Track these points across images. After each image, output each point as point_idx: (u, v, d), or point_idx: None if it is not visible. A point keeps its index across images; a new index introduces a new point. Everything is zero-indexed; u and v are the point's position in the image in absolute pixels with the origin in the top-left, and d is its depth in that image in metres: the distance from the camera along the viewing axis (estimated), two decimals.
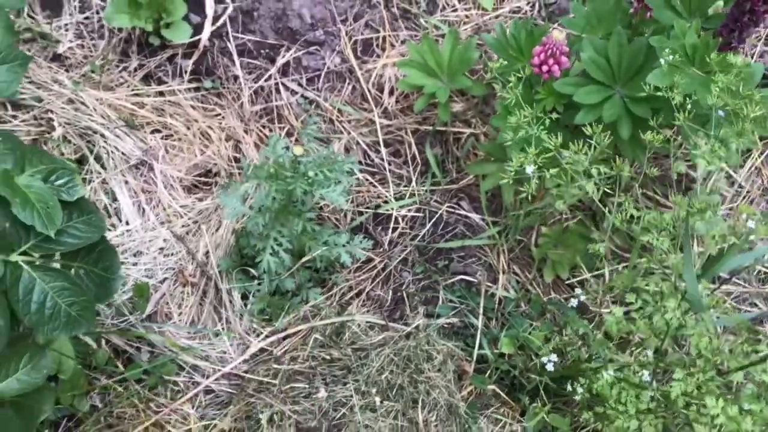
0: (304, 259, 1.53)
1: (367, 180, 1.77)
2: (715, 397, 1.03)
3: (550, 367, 1.31)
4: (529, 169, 1.16)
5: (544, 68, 1.36)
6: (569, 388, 1.26)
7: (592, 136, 1.16)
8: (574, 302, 1.35)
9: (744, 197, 1.69)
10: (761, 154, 1.73)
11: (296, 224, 1.38)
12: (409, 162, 1.78)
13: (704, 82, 1.17)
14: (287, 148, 1.41)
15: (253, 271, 1.57)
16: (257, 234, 1.43)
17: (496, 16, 1.85)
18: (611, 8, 1.40)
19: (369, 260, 1.70)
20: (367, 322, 1.55)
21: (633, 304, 1.10)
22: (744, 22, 1.17)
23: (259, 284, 1.57)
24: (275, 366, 1.48)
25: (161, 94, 1.84)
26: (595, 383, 1.26)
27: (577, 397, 1.28)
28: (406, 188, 1.76)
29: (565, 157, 1.23)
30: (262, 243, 1.41)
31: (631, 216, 1.12)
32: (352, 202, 1.75)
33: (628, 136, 1.32)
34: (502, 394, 1.52)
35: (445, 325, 1.60)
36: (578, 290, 1.48)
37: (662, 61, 1.17)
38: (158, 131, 1.80)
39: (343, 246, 1.56)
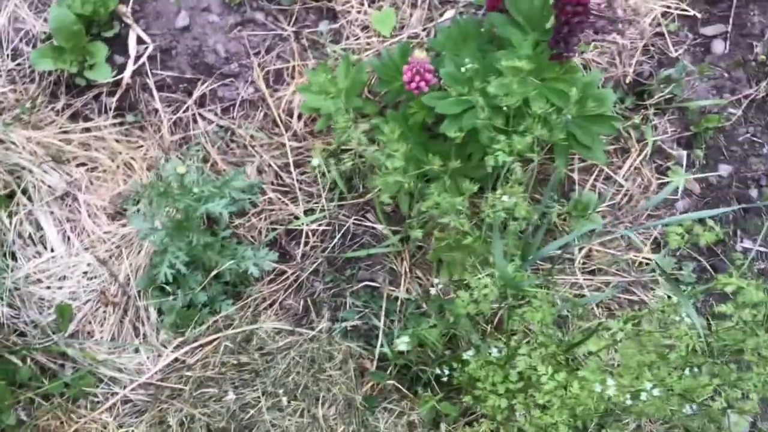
0: (213, 273, 1.65)
1: (279, 199, 1.90)
2: (548, 366, 1.14)
3: (402, 348, 1.42)
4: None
5: (413, 85, 1.50)
6: (437, 371, 1.38)
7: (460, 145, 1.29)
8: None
9: (624, 195, 1.82)
10: (640, 153, 1.86)
11: (194, 239, 1.50)
12: (319, 180, 1.91)
13: (537, 89, 1.30)
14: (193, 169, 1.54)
15: (168, 287, 1.69)
16: (159, 250, 1.55)
17: (394, 43, 1.99)
18: (474, 27, 1.54)
19: (282, 272, 1.82)
20: (274, 328, 1.66)
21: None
22: (565, 34, 1.30)
23: (173, 299, 1.69)
24: (187, 373, 1.60)
25: (87, 130, 1.98)
26: (467, 367, 1.38)
27: (455, 381, 1.40)
28: (316, 204, 1.89)
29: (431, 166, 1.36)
30: (159, 258, 1.53)
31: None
32: (266, 219, 1.87)
33: (489, 143, 1.44)
34: (402, 388, 1.63)
35: (350, 328, 1.72)
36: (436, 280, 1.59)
37: (502, 71, 1.30)
38: (84, 164, 1.93)
39: (250, 259, 1.69)
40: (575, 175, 1.81)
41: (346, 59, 1.78)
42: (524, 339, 1.29)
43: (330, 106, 1.78)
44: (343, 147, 1.90)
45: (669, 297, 1.20)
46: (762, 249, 1.84)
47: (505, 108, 1.21)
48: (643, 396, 1.04)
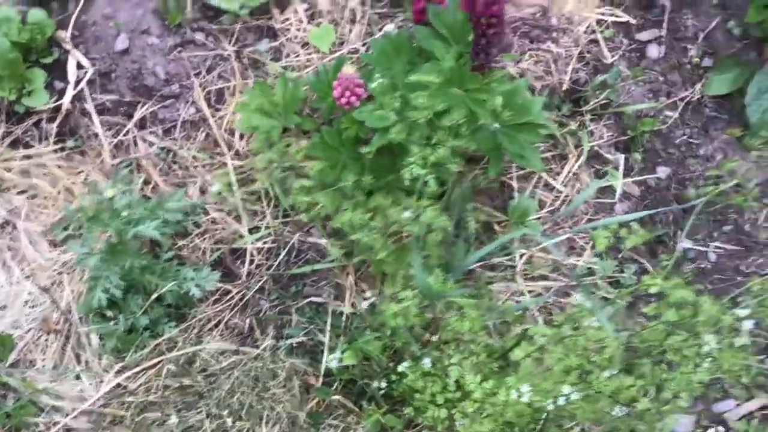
0: (153, 296, 1.64)
1: (223, 219, 1.89)
2: (476, 375, 1.15)
3: (333, 364, 1.43)
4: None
5: (343, 100, 1.51)
6: (381, 384, 1.38)
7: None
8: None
9: (563, 201, 1.84)
10: (577, 159, 1.88)
11: (128, 263, 1.49)
12: (263, 198, 1.91)
13: (459, 100, 1.32)
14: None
15: (109, 312, 1.68)
16: (94, 276, 1.54)
17: (333, 59, 2.00)
18: (405, 41, 1.55)
19: (227, 292, 1.82)
20: (217, 348, 1.65)
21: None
22: (484, 45, 1.32)
23: (114, 324, 1.67)
24: (129, 399, 1.58)
25: (28, 157, 1.96)
26: (404, 379, 1.38)
27: (395, 394, 1.40)
28: (261, 222, 1.89)
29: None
30: (94, 283, 1.52)
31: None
32: (210, 239, 1.87)
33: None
34: (348, 403, 1.63)
35: (296, 345, 1.71)
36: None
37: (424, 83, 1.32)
38: (24, 192, 1.91)
39: (192, 280, 1.68)
40: (514, 183, 1.82)
41: (283, 77, 1.79)
42: (458, 348, 1.29)
43: (267, 124, 1.78)
44: (285, 165, 1.91)
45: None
46: (701, 248, 1.87)
47: (421, 121, 1.22)
48: (561, 401, 1.05)
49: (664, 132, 1.97)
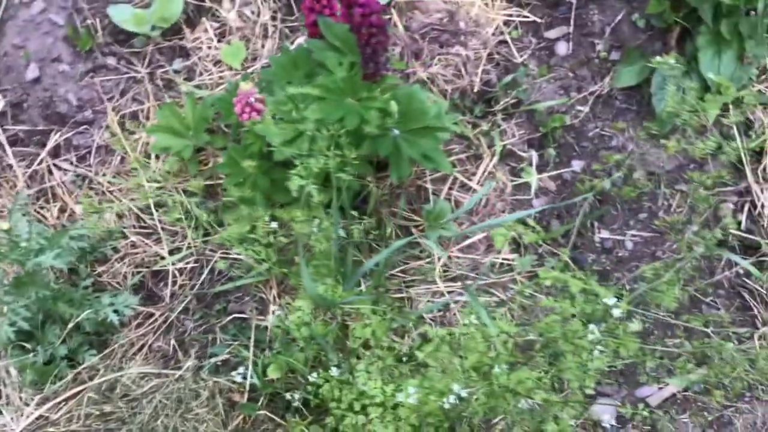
0: (70, 325, 1.63)
1: (143, 241, 1.88)
2: (377, 380, 1.16)
3: (238, 379, 1.43)
4: None
5: (245, 116, 1.51)
6: (304, 395, 1.38)
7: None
8: None
9: (480, 202, 1.86)
10: (492, 158, 1.90)
11: (34, 293, 1.48)
12: (183, 218, 1.90)
13: (352, 108, 1.33)
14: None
15: (27, 344, 1.66)
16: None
17: (245, 75, 2.00)
18: (304, 55, 1.56)
19: (151, 315, 1.81)
20: (139, 373, 1.64)
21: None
22: (370, 54, 1.34)
23: (34, 356, 1.65)
24: (51, 430, 1.56)
25: None
26: (320, 388, 1.39)
27: (312, 404, 1.40)
28: (182, 243, 1.88)
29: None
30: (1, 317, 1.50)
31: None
32: (130, 263, 1.85)
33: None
34: (275, 416, 1.63)
35: (221, 363, 1.71)
36: None
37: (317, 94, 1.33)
38: None
39: (110, 306, 1.67)
40: (429, 186, 1.84)
41: (191, 97, 1.78)
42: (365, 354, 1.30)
43: (179, 144, 1.78)
44: (207, 183, 1.90)
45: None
46: (618, 237, 1.90)
47: (309, 132, 1.23)
48: (452, 399, 1.07)
49: (577, 126, 2.00)
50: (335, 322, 1.33)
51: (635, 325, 1.17)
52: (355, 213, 1.58)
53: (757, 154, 1.94)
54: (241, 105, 1.50)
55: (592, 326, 1.06)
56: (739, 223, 1.89)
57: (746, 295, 1.83)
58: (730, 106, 1.92)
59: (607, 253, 1.89)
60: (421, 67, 1.94)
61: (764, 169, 1.91)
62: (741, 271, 1.85)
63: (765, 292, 1.81)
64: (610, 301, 1.06)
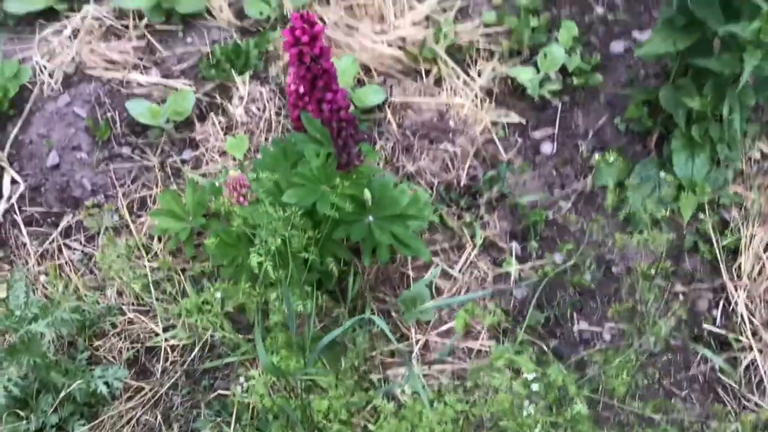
0: (62, 394, 1.71)
1: (140, 318, 1.98)
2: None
3: None
4: None
5: (234, 200, 1.63)
6: None
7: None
8: None
9: (460, 288, 1.94)
10: (474, 248, 1.99)
11: (26, 360, 1.57)
12: (180, 298, 2.00)
13: (324, 195, 1.44)
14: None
15: (22, 412, 1.74)
16: None
17: (248, 163, 2.15)
18: (292, 146, 1.69)
19: (141, 389, 1.89)
20: None
21: None
22: (341, 146, 1.46)
23: (27, 423, 1.73)
24: None
25: None
26: None
27: None
28: (176, 321, 1.98)
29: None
30: None
31: None
32: (126, 338, 1.95)
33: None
34: None
35: None
36: None
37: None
38: None
39: (101, 378, 1.75)
40: (410, 273, 1.93)
41: (191, 183, 1.92)
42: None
43: (178, 227, 1.91)
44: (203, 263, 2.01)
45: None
46: (596, 329, 1.96)
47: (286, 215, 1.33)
48: None
49: (559, 221, 2.09)
50: (296, 395, 1.39)
51: (581, 407, 1.22)
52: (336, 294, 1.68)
53: (732, 252, 2.00)
54: (230, 189, 1.63)
55: (526, 403, 1.12)
56: (715, 320, 1.93)
57: (720, 391, 1.85)
58: (706, 206, 2.01)
59: (585, 344, 1.94)
60: (410, 162, 2.07)
61: (739, 268, 1.96)
62: (716, 367, 1.88)
63: (738, 388, 1.83)
64: (530, 376, 1.12)
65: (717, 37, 1.79)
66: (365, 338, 1.71)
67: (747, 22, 1.66)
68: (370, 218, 1.55)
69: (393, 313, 1.88)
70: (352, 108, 2.11)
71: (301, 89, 1.41)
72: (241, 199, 1.63)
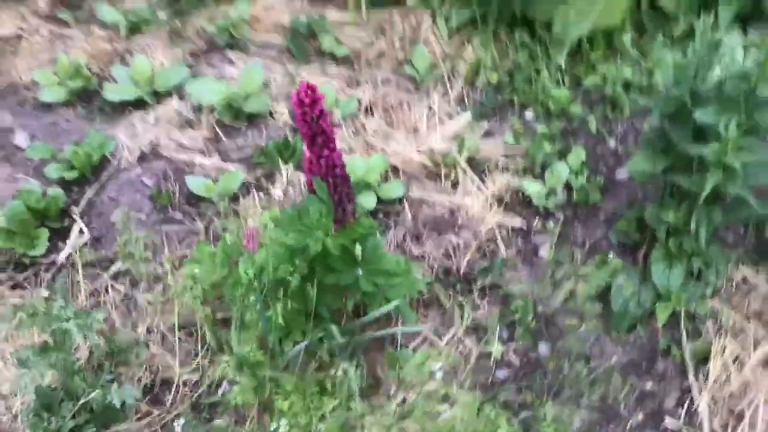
0: (81, 402, 1.97)
1: (162, 354, 2.25)
2: None
3: None
4: None
5: (249, 247, 1.93)
6: None
7: None
8: None
9: (446, 359, 2.13)
10: (462, 326, 2.20)
11: (55, 357, 1.85)
12: (199, 340, 2.27)
13: (318, 238, 1.72)
14: None
15: (45, 413, 2.00)
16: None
17: None
18: (305, 209, 1.99)
19: (150, 413, 2.13)
20: None
21: None
22: (337, 202, 1.75)
23: (48, 425, 1.99)
24: None
25: (21, 298, 2.41)
26: None
27: None
28: (194, 359, 2.23)
29: None
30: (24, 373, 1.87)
31: None
32: (147, 369, 2.21)
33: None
34: None
35: None
36: None
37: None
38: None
39: (115, 392, 2.01)
40: (399, 338, 2.14)
41: (223, 237, 2.23)
42: None
43: (206, 273, 2.20)
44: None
45: None
46: (564, 418, 2.10)
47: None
48: None
49: (548, 314, 2.29)
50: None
51: None
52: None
53: (703, 359, 2.14)
54: (248, 239, 1.93)
55: None
56: (679, 416, 2.05)
57: None
58: (682, 314, 2.18)
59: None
60: (417, 247, 2.33)
61: (706, 373, 2.10)
62: None
63: None
64: None
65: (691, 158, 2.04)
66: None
67: (711, 144, 1.91)
68: (360, 271, 1.81)
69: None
70: (374, 199, 2.43)
71: (308, 153, 1.72)
72: (255, 245, 1.93)
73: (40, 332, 1.89)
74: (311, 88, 1.59)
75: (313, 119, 1.62)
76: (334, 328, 1.77)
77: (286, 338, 1.75)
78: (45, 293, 1.84)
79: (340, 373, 1.68)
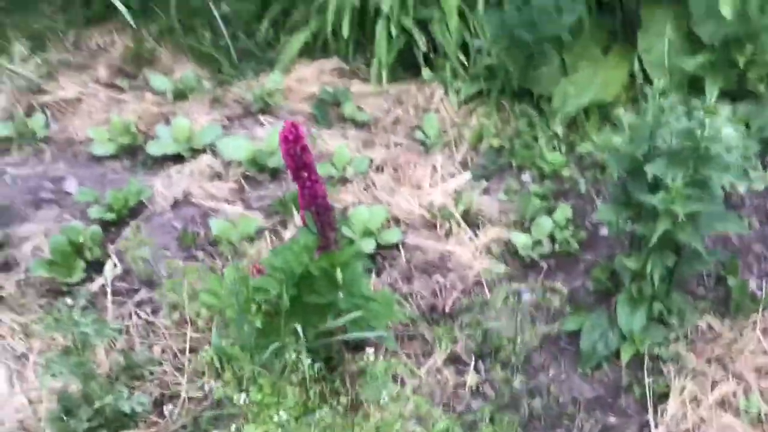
0: (97, 405, 2.24)
1: (173, 373, 2.51)
2: None
3: None
4: None
5: (252, 274, 2.21)
6: None
7: None
8: None
9: (425, 386, 2.33)
10: (442, 357, 2.41)
11: (75, 358, 2.13)
12: (206, 361, 2.52)
13: (302, 260, 1.98)
14: None
15: (65, 417, 2.27)
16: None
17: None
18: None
19: (156, 423, 2.37)
20: None
21: None
22: (320, 229, 2.02)
23: (66, 426, 2.25)
24: None
25: (56, 320, 2.71)
26: None
27: None
28: (202, 379, 2.48)
29: None
30: (47, 375, 2.15)
31: None
32: (157, 384, 2.47)
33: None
34: None
35: None
36: None
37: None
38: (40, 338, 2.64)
39: (126, 399, 2.27)
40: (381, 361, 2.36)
41: (230, 268, 2.52)
42: None
43: (215, 301, 2.48)
44: None
45: None
46: None
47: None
48: None
49: (525, 354, 2.48)
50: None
51: None
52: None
53: (663, 396, 2.30)
54: (251, 269, 2.21)
55: None
56: None
57: None
58: (646, 354, 2.36)
59: None
60: (406, 285, 2.57)
61: (664, 410, 2.25)
62: None
63: None
64: None
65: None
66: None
67: (660, 193, 2.13)
68: (340, 294, 2.06)
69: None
70: (374, 244, 2.69)
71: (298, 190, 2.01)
72: (258, 273, 2.21)
73: (63, 337, 2.17)
74: (294, 127, 1.89)
75: (296, 153, 1.91)
76: (299, 327, 1.98)
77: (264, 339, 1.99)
78: (69, 301, 2.13)
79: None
